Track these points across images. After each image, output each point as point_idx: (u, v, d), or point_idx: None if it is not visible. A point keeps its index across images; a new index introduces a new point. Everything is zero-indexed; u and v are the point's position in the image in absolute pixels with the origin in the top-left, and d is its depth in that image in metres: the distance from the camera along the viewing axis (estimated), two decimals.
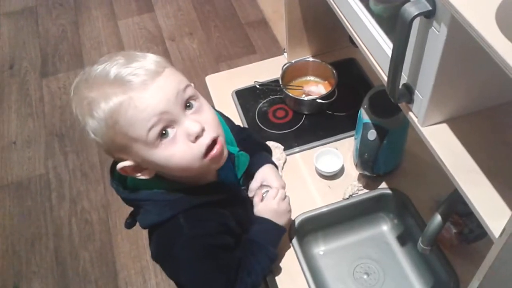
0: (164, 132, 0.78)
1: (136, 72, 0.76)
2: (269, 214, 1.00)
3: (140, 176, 0.83)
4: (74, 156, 2.34)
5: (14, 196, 2.22)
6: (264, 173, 1.05)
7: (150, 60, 0.80)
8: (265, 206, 1.01)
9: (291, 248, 1.12)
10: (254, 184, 1.04)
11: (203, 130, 0.80)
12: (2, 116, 2.56)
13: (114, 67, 0.77)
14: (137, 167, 0.82)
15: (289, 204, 1.05)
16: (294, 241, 1.13)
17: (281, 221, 1.01)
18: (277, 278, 1.08)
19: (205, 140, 0.81)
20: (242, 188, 1.04)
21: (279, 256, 1.09)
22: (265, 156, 1.11)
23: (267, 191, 1.02)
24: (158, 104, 0.76)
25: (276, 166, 1.11)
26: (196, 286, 0.91)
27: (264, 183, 1.04)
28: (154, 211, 0.86)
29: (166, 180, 0.86)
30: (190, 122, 0.79)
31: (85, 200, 2.16)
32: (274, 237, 1.02)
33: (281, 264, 1.10)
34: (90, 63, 2.82)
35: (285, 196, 1.04)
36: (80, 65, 2.75)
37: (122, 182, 0.89)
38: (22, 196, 2.21)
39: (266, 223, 1.00)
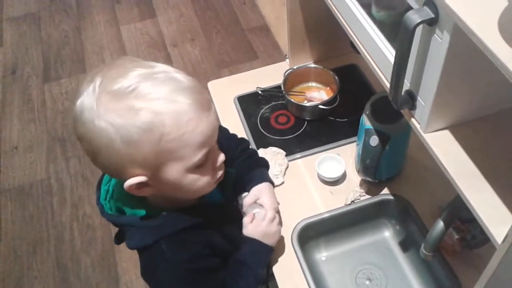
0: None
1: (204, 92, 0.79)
2: (258, 235, 0.99)
3: (140, 193, 0.81)
4: (76, 161, 2.34)
5: (16, 201, 2.22)
6: (259, 191, 1.05)
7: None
8: (255, 228, 1.00)
9: (294, 254, 1.12)
10: (247, 199, 1.04)
11: None
12: (4, 121, 2.57)
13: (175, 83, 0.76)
14: (143, 184, 0.79)
15: (278, 224, 1.04)
16: (296, 246, 1.13)
17: (269, 241, 1.01)
18: (279, 283, 1.08)
19: (222, 168, 0.86)
20: (233, 203, 1.04)
21: (280, 257, 1.10)
22: (263, 173, 1.11)
23: (258, 211, 1.02)
24: (213, 130, 0.80)
25: (273, 184, 1.11)
26: None
27: (258, 201, 1.04)
28: (136, 236, 0.86)
29: (150, 203, 0.86)
30: (219, 152, 0.85)
31: (87, 205, 2.16)
32: (262, 258, 1.01)
33: (283, 270, 1.10)
34: (92, 68, 2.84)
35: (275, 217, 1.02)
36: (82, 70, 2.76)
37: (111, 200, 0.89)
38: (23, 201, 2.22)
39: (255, 244, 0.99)
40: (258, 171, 1.10)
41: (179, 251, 0.86)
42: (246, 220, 1.00)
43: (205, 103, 0.78)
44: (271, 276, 1.10)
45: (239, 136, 1.17)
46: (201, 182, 0.83)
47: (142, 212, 0.85)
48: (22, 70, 2.83)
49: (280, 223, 1.06)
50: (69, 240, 2.06)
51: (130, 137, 0.72)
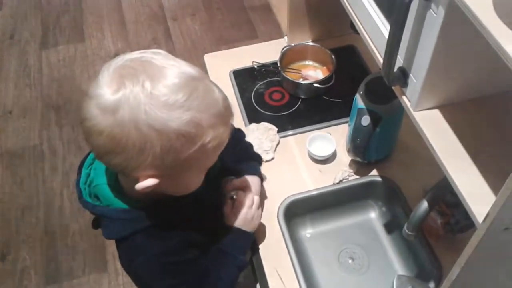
0: None
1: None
2: (238, 222, 0.99)
3: (144, 191, 0.78)
4: (69, 129, 2.34)
5: (7, 165, 2.22)
6: (244, 182, 1.03)
7: None
8: (234, 215, 0.99)
9: (279, 229, 1.13)
10: (235, 182, 1.02)
11: None
12: (0, 84, 2.55)
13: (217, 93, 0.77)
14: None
15: (257, 209, 1.03)
16: (282, 222, 1.13)
17: (249, 227, 1.01)
18: (262, 257, 1.09)
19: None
20: (213, 193, 1.01)
21: (265, 232, 1.10)
22: (256, 167, 1.11)
23: (235, 194, 1.01)
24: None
25: (262, 180, 1.10)
26: None
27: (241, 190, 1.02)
28: (111, 228, 0.85)
29: (126, 194, 0.85)
30: None
31: None
32: (243, 245, 1.01)
33: (267, 245, 1.10)
34: (90, 37, 2.80)
35: (253, 203, 1.01)
36: (81, 39, 2.74)
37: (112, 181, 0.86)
38: (15, 166, 2.22)
39: (235, 232, 0.99)
40: (252, 163, 1.11)
41: (155, 244, 0.85)
42: (225, 209, 1.00)
43: (231, 111, 0.80)
44: (256, 251, 1.10)
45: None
46: (202, 179, 0.84)
47: (118, 204, 0.84)
48: (20, 35, 2.81)
49: (260, 207, 1.04)
50: (58, 206, 2.07)
51: (170, 146, 0.71)
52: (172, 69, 0.72)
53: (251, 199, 1.01)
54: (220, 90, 0.78)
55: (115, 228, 0.85)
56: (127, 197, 0.84)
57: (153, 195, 0.82)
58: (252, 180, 1.05)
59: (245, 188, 1.02)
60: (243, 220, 0.99)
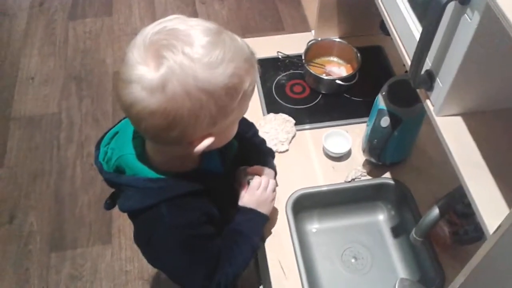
0: None
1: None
2: (253, 203, 0.99)
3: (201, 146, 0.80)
4: (89, 101, 2.35)
5: (25, 130, 2.25)
6: (262, 169, 1.05)
7: None
8: (250, 197, 0.99)
9: (286, 221, 1.13)
10: (248, 170, 1.03)
11: None
12: (25, 50, 2.58)
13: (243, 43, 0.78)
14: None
15: (273, 192, 1.03)
16: (290, 214, 1.14)
17: (264, 210, 1.01)
18: (266, 248, 1.09)
19: None
20: (231, 174, 1.03)
21: (272, 222, 1.10)
22: (271, 162, 1.11)
23: (251, 179, 1.01)
24: None
25: (276, 173, 1.10)
26: (175, 276, 0.91)
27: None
28: (135, 197, 0.84)
29: (153, 164, 0.85)
30: None
31: (93, 145, 2.11)
32: (257, 227, 1.01)
33: (273, 235, 1.11)
34: (118, 12, 2.80)
35: (269, 185, 1.02)
36: (109, 13, 2.76)
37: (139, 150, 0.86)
38: (32, 131, 2.24)
39: (251, 213, 0.99)
40: (269, 159, 1.11)
41: (179, 215, 0.85)
42: (240, 190, 1.00)
43: (253, 51, 0.80)
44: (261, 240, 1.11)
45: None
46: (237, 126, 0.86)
47: (146, 172, 0.84)
48: (50, 4, 2.83)
49: (275, 190, 1.05)
50: (70, 176, 2.09)
51: (222, 102, 0.73)
52: (197, 29, 0.72)
53: (266, 181, 1.01)
54: (237, 36, 0.79)
55: (141, 197, 0.84)
56: (154, 167, 0.84)
57: (177, 166, 0.85)
58: (267, 170, 1.06)
59: (260, 173, 1.03)
60: (258, 201, 1.00)
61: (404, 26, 0.85)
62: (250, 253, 0.98)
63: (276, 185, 1.07)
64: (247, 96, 0.78)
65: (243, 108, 0.81)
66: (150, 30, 0.73)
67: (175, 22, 0.74)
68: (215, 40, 0.72)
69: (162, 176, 0.84)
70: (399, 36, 0.88)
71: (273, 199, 1.04)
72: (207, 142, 0.78)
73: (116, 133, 0.91)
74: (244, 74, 0.75)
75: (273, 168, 1.10)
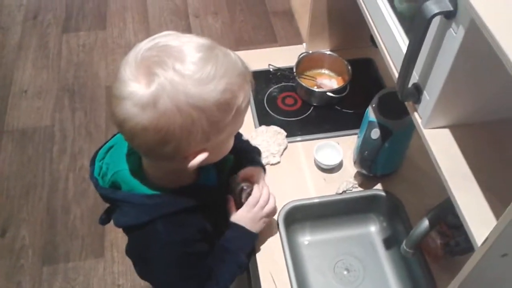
0: None
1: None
2: (246, 220, 0.99)
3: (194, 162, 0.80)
4: (82, 114, 2.35)
5: (17, 143, 2.24)
6: (251, 170, 1.04)
7: None
8: (244, 213, 0.99)
9: (277, 233, 1.13)
10: (240, 174, 1.02)
11: None
12: (18, 63, 2.58)
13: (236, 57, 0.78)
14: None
15: (273, 207, 1.03)
16: (281, 226, 1.14)
17: (256, 227, 1.00)
18: (258, 259, 1.09)
19: None
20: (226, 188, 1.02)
21: (264, 235, 1.10)
22: (257, 159, 1.10)
23: (249, 191, 1.00)
24: None
25: (265, 170, 1.09)
26: None
27: (249, 181, 1.02)
28: (131, 213, 0.84)
29: (149, 180, 0.85)
30: None
31: (86, 158, 2.18)
32: (246, 245, 1.01)
33: (264, 247, 1.10)
34: (112, 26, 2.81)
35: (269, 202, 1.01)
36: (102, 27, 2.77)
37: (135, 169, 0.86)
38: (24, 144, 2.23)
39: (241, 230, 0.98)
40: (255, 156, 1.11)
41: (174, 232, 0.85)
42: (231, 205, 1.00)
43: (247, 66, 0.81)
44: (253, 252, 1.10)
45: None
46: (233, 140, 0.86)
47: (141, 189, 0.84)
48: (44, 17, 2.83)
49: (274, 205, 1.04)
50: (62, 189, 2.08)
51: (214, 118, 0.73)
52: (189, 45, 0.73)
53: (266, 196, 1.01)
54: (231, 51, 0.79)
55: (136, 213, 0.84)
56: (150, 183, 0.84)
57: (173, 181, 0.85)
58: (257, 169, 1.05)
59: (251, 177, 1.02)
60: (251, 219, 0.99)
61: (392, 39, 0.86)
62: (237, 271, 0.98)
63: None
64: (241, 111, 0.78)
65: (238, 123, 0.81)
66: (143, 46, 0.73)
67: (168, 38, 0.74)
68: (207, 56, 0.72)
69: (157, 192, 0.84)
70: (386, 49, 0.89)
71: (267, 220, 1.03)
72: (201, 157, 0.78)
73: (111, 147, 0.91)
74: (237, 90, 0.75)
75: (261, 164, 1.09)
